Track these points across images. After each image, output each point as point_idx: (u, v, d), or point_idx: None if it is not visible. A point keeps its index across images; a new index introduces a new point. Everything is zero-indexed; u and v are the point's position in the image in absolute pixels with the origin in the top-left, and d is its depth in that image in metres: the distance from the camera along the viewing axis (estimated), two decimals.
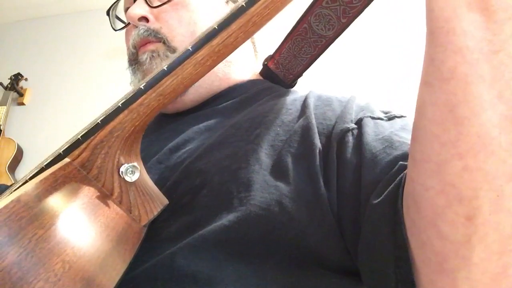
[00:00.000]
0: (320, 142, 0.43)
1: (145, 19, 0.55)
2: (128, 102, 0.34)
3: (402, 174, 0.35)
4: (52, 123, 1.99)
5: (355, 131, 0.43)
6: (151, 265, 0.38)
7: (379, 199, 0.36)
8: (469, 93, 0.26)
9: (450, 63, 0.27)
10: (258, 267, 0.38)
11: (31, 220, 0.26)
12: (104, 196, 0.33)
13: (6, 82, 2.07)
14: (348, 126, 0.44)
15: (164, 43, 0.54)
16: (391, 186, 0.35)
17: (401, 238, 0.32)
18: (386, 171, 0.37)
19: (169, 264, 0.37)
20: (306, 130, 0.44)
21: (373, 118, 0.44)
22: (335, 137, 0.43)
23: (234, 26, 0.33)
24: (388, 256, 0.34)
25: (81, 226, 0.29)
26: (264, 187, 0.40)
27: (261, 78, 0.64)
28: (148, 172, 0.41)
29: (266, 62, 0.62)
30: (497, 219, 0.26)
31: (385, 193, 0.35)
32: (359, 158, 0.41)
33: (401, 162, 0.36)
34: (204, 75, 0.35)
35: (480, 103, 0.26)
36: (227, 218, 0.39)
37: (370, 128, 0.43)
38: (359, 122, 0.44)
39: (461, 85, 0.27)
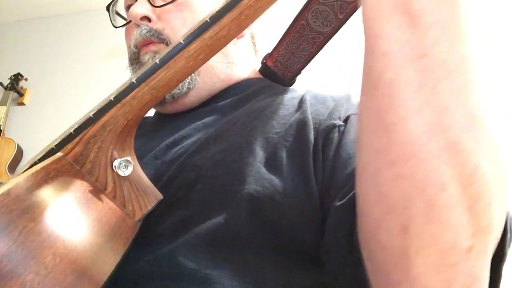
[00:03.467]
0: (313, 138, 0.43)
1: (147, 18, 0.54)
2: (121, 95, 0.33)
3: None
4: (52, 123, 1.98)
5: (342, 128, 0.43)
6: (148, 263, 0.38)
7: (341, 202, 0.35)
8: (395, 99, 0.26)
9: (377, 69, 0.27)
10: (256, 265, 0.38)
11: (22, 213, 0.26)
12: (97, 191, 0.33)
13: (6, 82, 2.07)
14: (335, 122, 0.43)
15: (167, 44, 0.53)
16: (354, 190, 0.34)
17: (356, 243, 0.32)
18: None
19: (167, 262, 0.37)
20: (302, 125, 0.44)
21: None
22: (321, 133, 0.43)
23: (226, 19, 0.32)
24: (344, 259, 0.34)
25: (73, 219, 0.29)
26: (258, 179, 0.40)
27: (260, 76, 0.63)
28: (145, 167, 0.41)
29: (264, 60, 0.62)
30: (432, 230, 0.25)
31: (348, 197, 0.35)
32: (336, 156, 0.40)
33: None
34: (197, 69, 0.35)
35: (406, 109, 0.25)
36: (221, 215, 0.39)
37: (354, 127, 0.42)
38: (347, 120, 0.44)
39: (388, 91, 0.26)
